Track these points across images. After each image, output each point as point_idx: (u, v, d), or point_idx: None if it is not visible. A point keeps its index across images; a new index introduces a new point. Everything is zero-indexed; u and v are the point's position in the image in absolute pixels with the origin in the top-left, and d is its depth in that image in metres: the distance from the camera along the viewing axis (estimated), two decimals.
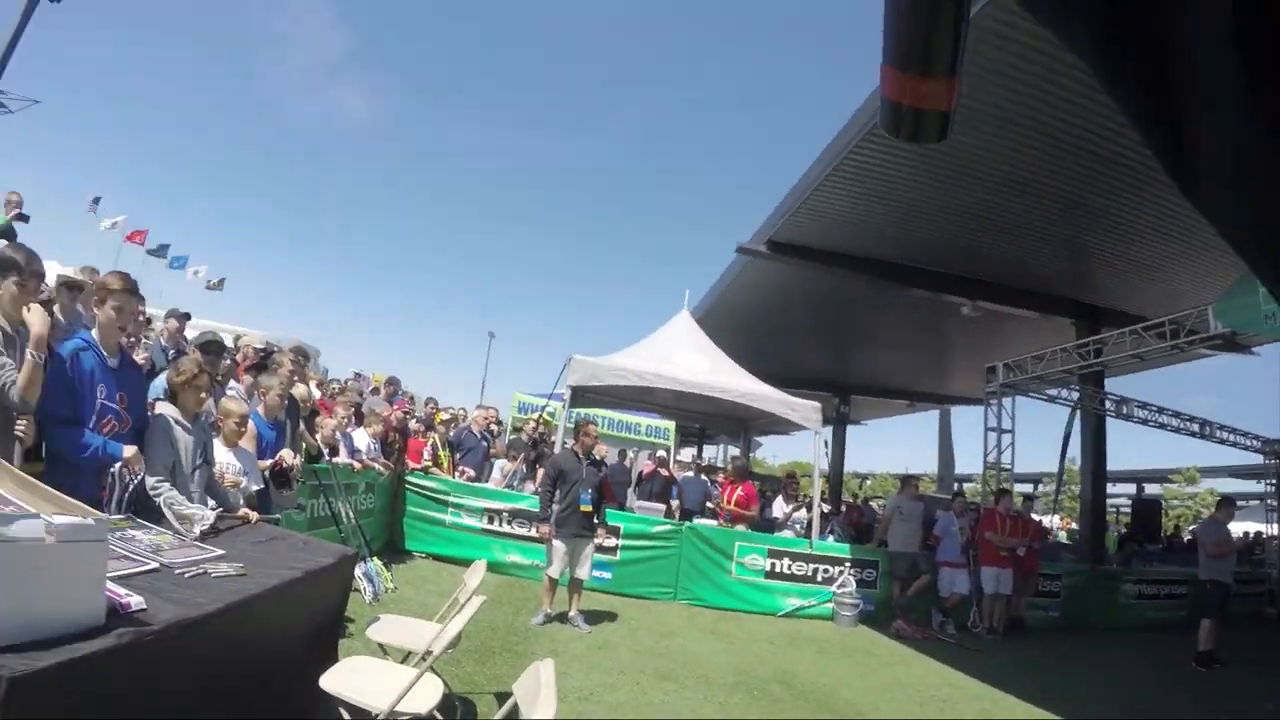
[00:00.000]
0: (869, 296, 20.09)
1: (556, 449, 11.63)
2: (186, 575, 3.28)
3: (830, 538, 13.96)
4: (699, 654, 8.46)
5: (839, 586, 11.98)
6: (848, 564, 12.41)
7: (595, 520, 9.07)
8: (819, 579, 12.17)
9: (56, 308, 6.26)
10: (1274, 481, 21.05)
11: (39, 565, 2.23)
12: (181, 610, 2.76)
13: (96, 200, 34.37)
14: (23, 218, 10.21)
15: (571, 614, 8.81)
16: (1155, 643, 13.55)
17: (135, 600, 2.65)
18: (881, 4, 1.07)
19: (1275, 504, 21.04)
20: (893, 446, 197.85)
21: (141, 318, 9.12)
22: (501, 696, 5.54)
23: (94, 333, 4.54)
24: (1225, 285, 12.94)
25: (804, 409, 13.14)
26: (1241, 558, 16.54)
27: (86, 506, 2.86)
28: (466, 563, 9.24)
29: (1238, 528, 19.61)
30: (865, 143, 12.76)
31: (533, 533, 10.73)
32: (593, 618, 9.06)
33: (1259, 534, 24.61)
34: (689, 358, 13.31)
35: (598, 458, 9.72)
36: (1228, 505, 12.83)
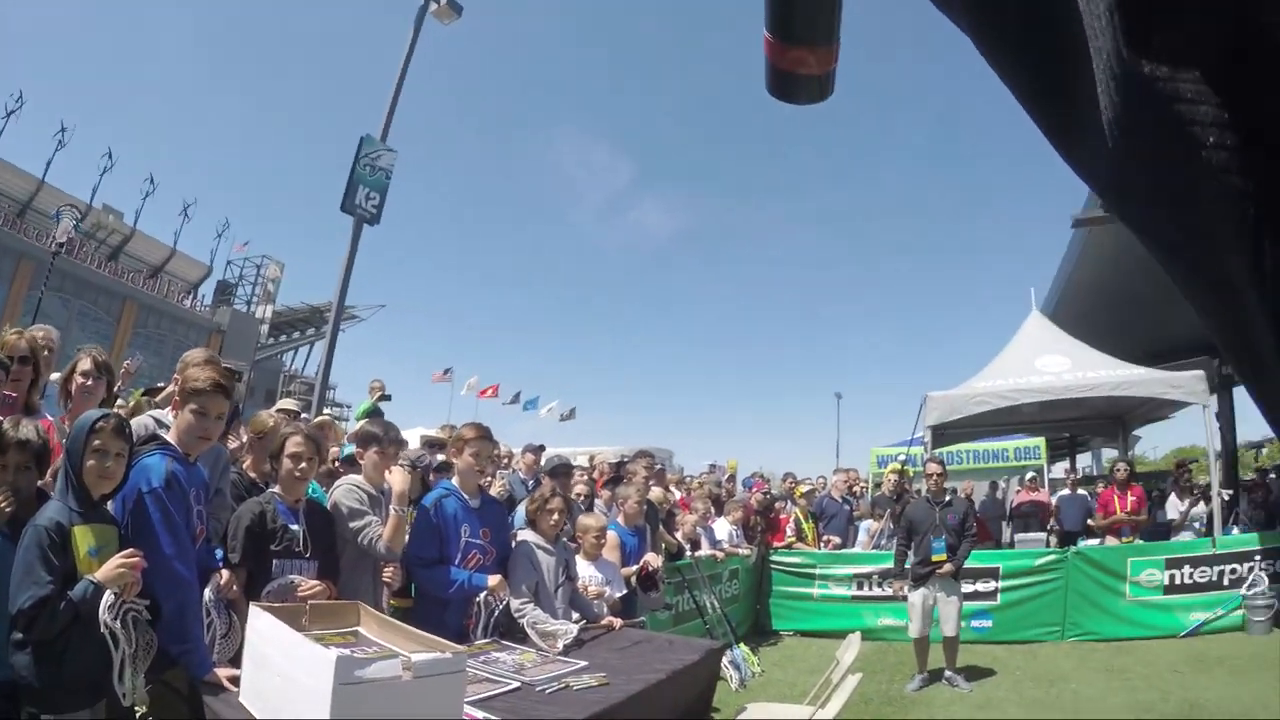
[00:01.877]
0: None
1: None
2: (548, 691, 3.61)
3: (1235, 529, 12.52)
4: (1094, 698, 7.96)
5: (1248, 588, 10.53)
6: (1257, 557, 10.84)
7: (955, 567, 8.60)
8: (1225, 583, 10.79)
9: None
10: None
11: (398, 701, 2.61)
12: None
13: (448, 371, 39.20)
14: (386, 398, 11.54)
15: (948, 674, 8.45)
16: None
17: None
18: None
19: None
20: None
21: (502, 458, 9.91)
22: None
23: (454, 480, 5.14)
24: None
25: (1186, 382, 11.92)
26: None
27: (445, 642, 3.21)
28: (836, 634, 9.35)
29: None
30: None
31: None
32: (973, 674, 8.67)
33: None
34: (1050, 360, 12.66)
35: (963, 496, 9.37)
36: None
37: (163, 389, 6.36)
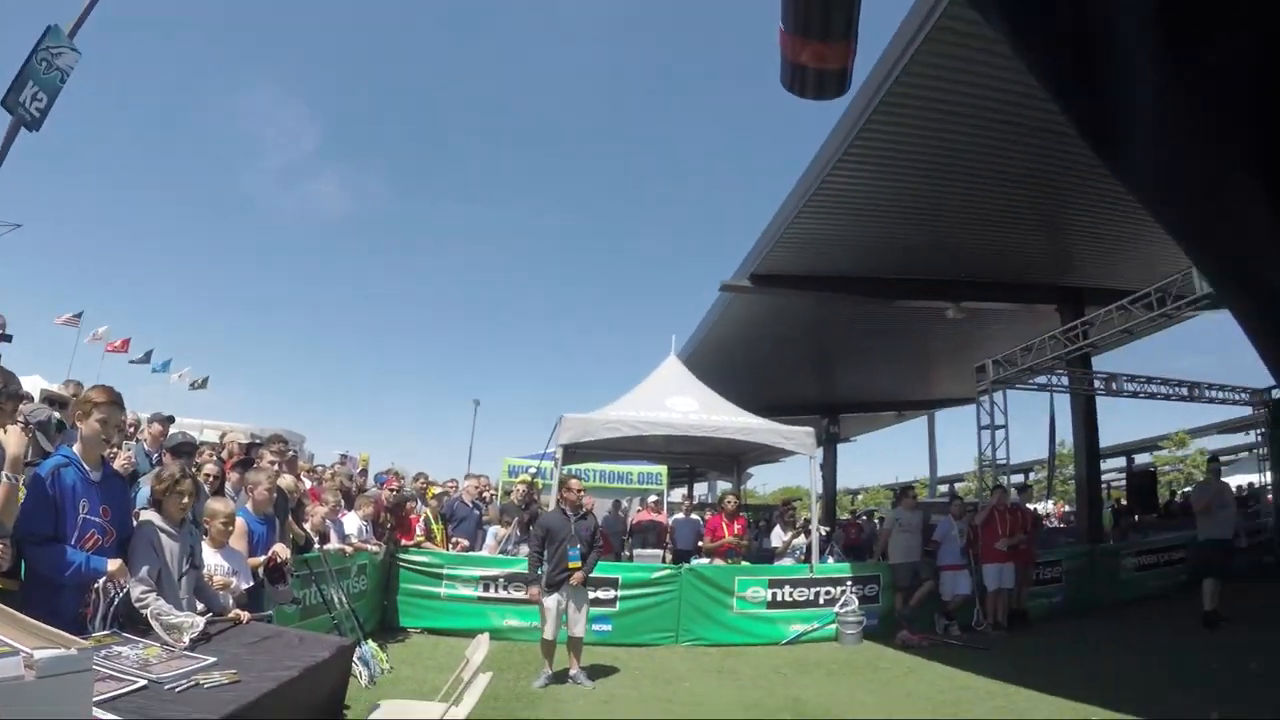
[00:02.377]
0: (852, 315, 20.58)
1: (550, 508, 11.55)
2: (177, 690, 3.28)
3: (830, 559, 14.02)
4: (706, 695, 8.45)
5: (841, 606, 12.01)
6: (849, 583, 12.46)
7: (585, 575, 8.95)
8: (821, 602, 12.18)
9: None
10: (1263, 431, 21.10)
11: (19, 704, 2.25)
12: None
13: (78, 315, 34.90)
14: (5, 338, 10.24)
15: (573, 672, 8.71)
16: (1160, 612, 13.80)
17: None
18: None
19: (1265, 452, 21.07)
20: (879, 457, 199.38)
21: (129, 426, 9.08)
22: None
23: (76, 447, 4.54)
24: None
25: (797, 435, 13.27)
26: (1240, 510, 16.46)
27: (67, 635, 2.84)
28: (463, 634, 9.38)
29: (1233, 480, 20.19)
30: (840, 166, 13.30)
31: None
32: (595, 673, 8.97)
33: (1251, 484, 25.03)
34: (679, 401, 13.32)
35: (585, 511, 9.59)
36: (1213, 463, 13.51)
37: None
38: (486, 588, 11.24)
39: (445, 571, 11.31)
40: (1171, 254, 16.60)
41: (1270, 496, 20.94)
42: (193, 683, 3.40)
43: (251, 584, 6.11)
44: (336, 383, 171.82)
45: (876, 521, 20.24)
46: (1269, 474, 20.92)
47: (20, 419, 4.64)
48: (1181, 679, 8.75)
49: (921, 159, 13.13)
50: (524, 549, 12.08)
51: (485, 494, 14.96)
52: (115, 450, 6.38)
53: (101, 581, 4.19)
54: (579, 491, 9.37)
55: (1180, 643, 10.92)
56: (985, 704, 8.08)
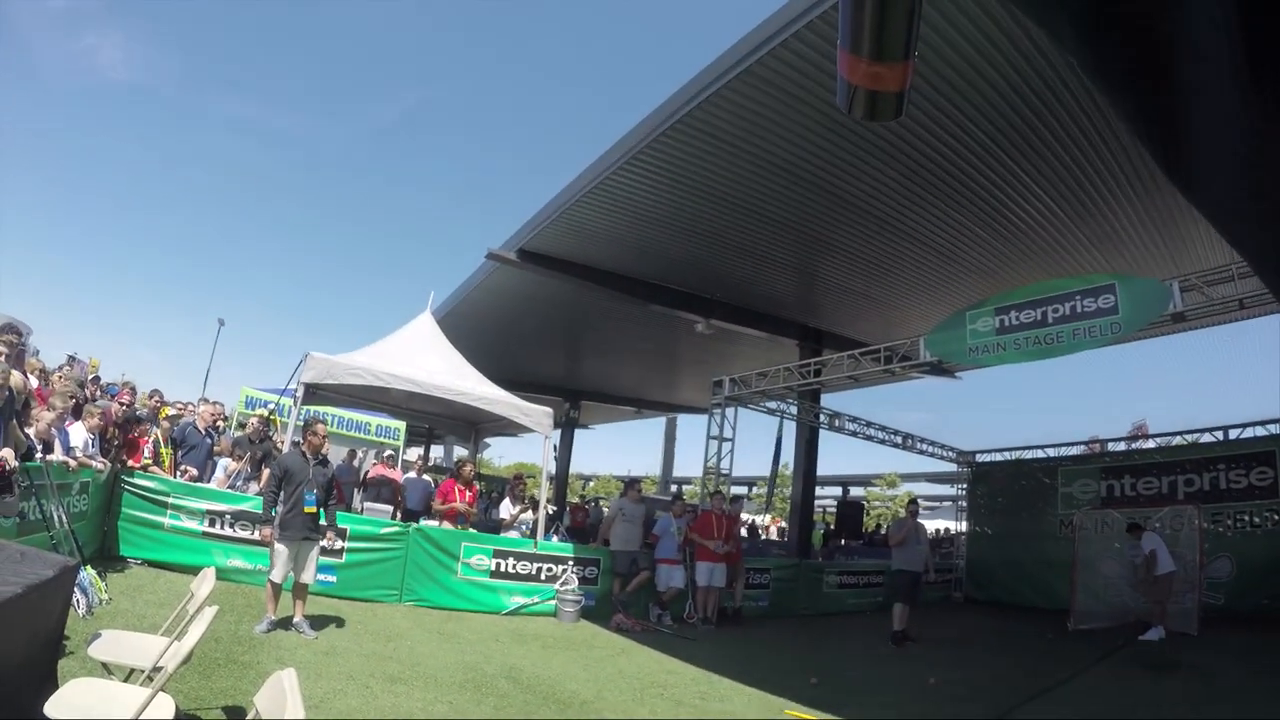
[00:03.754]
0: (609, 309, 21.11)
1: (285, 448, 11.31)
2: None
3: (555, 538, 14.59)
4: (426, 655, 8.54)
5: (562, 584, 12.61)
6: (571, 562, 13.06)
7: (321, 522, 8.97)
8: (543, 577, 12.71)
9: None
10: (964, 486, 23.32)
11: None
12: None
13: None
14: None
15: (296, 620, 8.57)
16: (855, 626, 15.37)
17: None
18: None
19: (964, 505, 23.22)
20: (617, 449, 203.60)
21: None
22: (230, 710, 5.46)
23: None
24: (935, 320, 15.11)
25: (536, 414, 13.60)
26: (934, 550, 18.13)
27: None
28: (185, 569, 9.29)
29: (931, 525, 22.69)
30: (626, 168, 13.71)
31: (256, 536, 10.29)
32: (318, 623, 8.92)
33: (949, 530, 27.67)
34: (427, 359, 13.34)
35: (324, 457, 9.46)
36: (911, 504, 14.59)
37: None
38: (213, 523, 10.73)
39: (171, 500, 10.66)
40: (906, 319, 18.76)
41: (963, 542, 23.18)
42: None
43: None
44: (67, 275, 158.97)
45: (603, 509, 21.04)
46: (964, 523, 23.08)
47: None
48: (866, 685, 9.67)
49: (703, 183, 13.85)
50: (254, 487, 11.86)
51: (219, 422, 14.33)
52: None
53: None
54: (323, 437, 9.35)
55: (869, 654, 12.12)
56: (690, 689, 8.65)
